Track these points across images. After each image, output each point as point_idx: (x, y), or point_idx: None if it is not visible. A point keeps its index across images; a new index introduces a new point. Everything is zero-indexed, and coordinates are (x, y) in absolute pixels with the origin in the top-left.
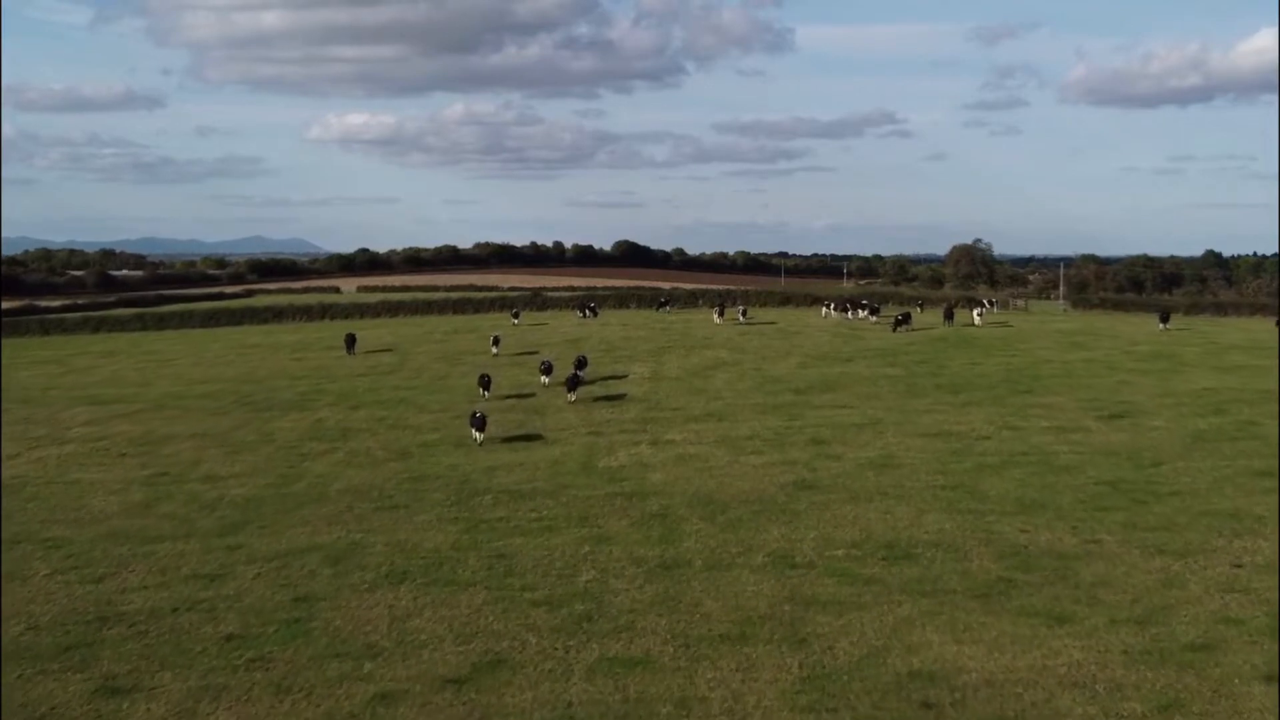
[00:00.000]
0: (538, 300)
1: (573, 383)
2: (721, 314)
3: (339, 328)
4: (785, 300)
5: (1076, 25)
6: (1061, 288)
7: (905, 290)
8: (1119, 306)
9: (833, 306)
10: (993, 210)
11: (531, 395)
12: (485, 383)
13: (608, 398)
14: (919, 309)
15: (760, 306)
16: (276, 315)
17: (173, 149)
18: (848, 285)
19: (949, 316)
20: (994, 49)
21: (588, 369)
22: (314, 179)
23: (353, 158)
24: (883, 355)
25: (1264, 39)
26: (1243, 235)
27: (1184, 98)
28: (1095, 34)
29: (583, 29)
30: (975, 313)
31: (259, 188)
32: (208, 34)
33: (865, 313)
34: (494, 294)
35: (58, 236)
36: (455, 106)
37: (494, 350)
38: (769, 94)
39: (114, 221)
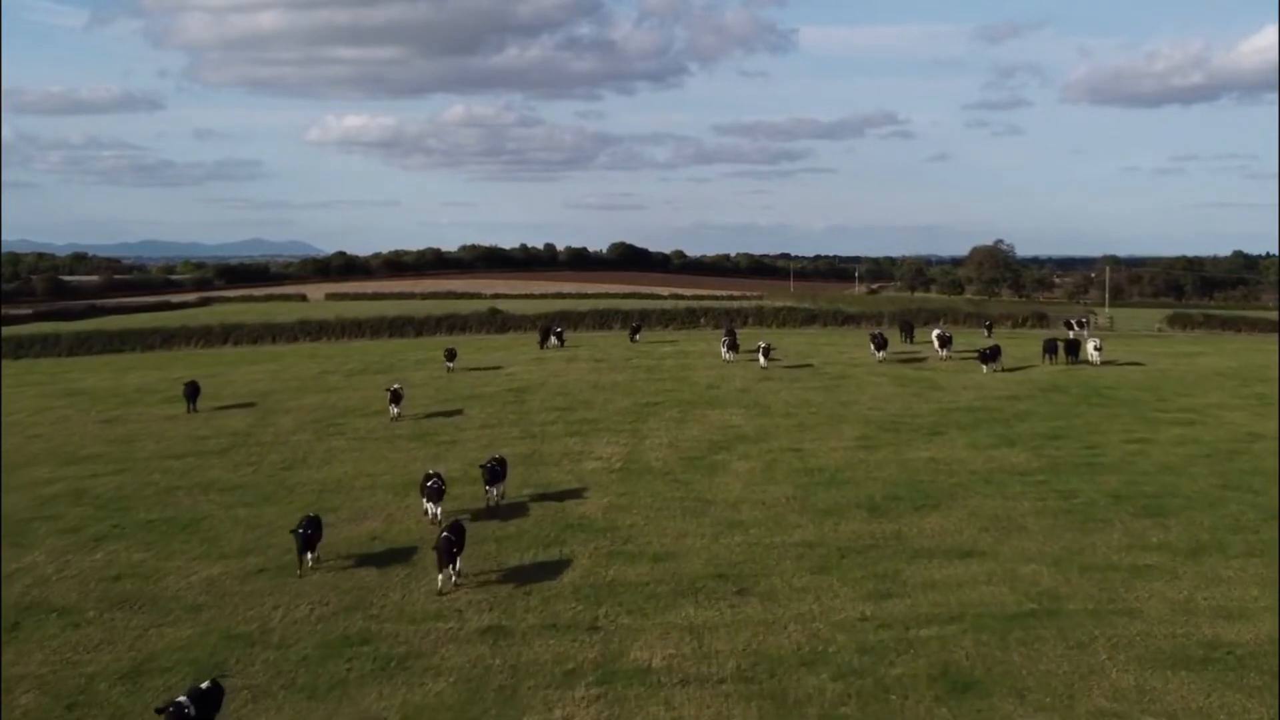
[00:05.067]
0: (496, 321)
1: (449, 547)
2: (733, 348)
3: (233, 358)
4: (810, 318)
5: (1080, 24)
6: (1106, 294)
7: (958, 303)
8: (1229, 325)
9: (877, 344)
10: (995, 210)
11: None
12: (309, 536)
13: (535, 531)
14: (986, 332)
15: (778, 327)
16: (165, 341)
17: (173, 152)
18: (859, 290)
19: (1051, 351)
20: (996, 49)
21: (504, 483)
22: (314, 182)
23: (352, 160)
24: (983, 420)
25: (1267, 37)
26: (1240, 235)
27: (1187, 96)
28: (1098, 33)
29: (584, 29)
30: (1092, 346)
31: (259, 190)
32: (204, 35)
33: (936, 344)
34: (444, 312)
35: (59, 240)
36: (455, 108)
37: (393, 411)
38: (771, 95)
39: (115, 224)
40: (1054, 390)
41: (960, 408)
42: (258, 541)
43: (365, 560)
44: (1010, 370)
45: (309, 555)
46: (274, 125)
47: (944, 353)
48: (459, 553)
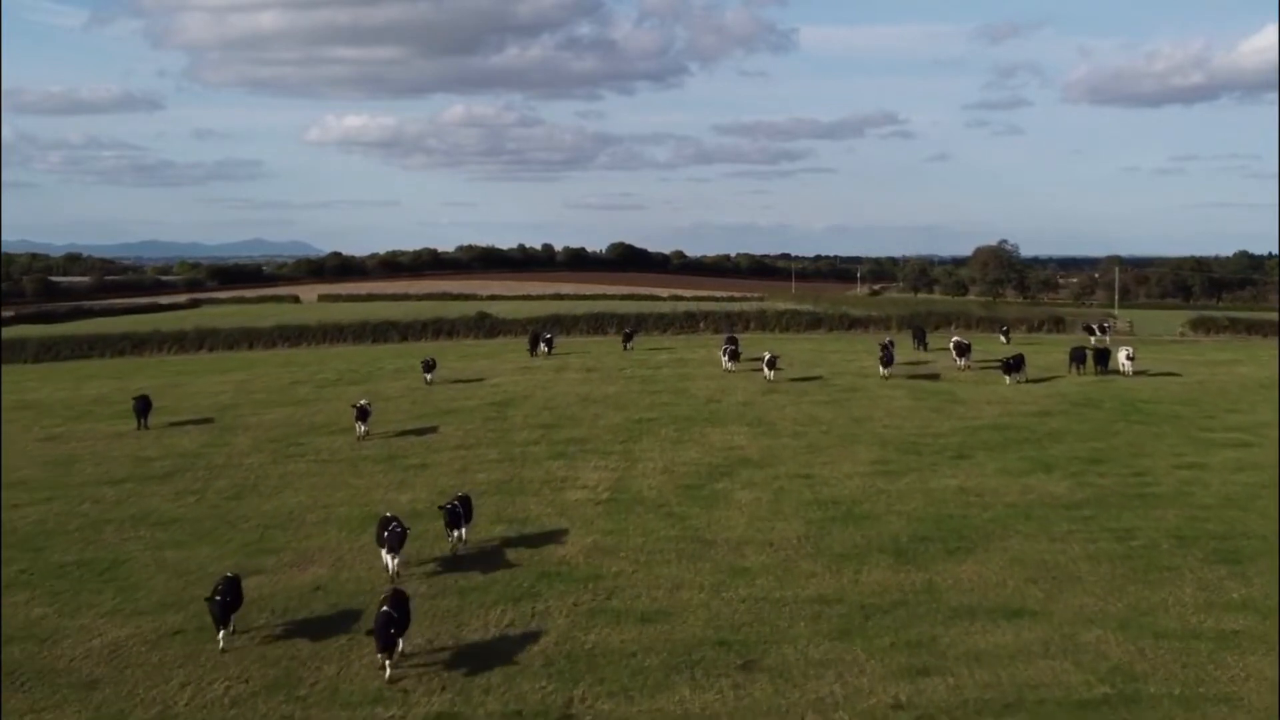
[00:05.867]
0: (484, 325)
1: (387, 626)
2: (734, 357)
3: (204, 365)
4: (815, 322)
5: (1080, 24)
6: (1115, 296)
7: (970, 305)
8: (1255, 329)
9: (884, 355)
10: (996, 210)
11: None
12: (226, 604)
13: (505, 580)
14: (1003, 338)
15: (781, 331)
16: (136, 346)
17: (173, 152)
18: (861, 291)
19: (1079, 360)
20: (997, 48)
21: (469, 525)
22: (314, 182)
23: (352, 160)
24: (1012, 440)
25: (1267, 37)
26: (1241, 235)
27: (1187, 96)
28: (1098, 33)
29: (585, 29)
30: (1124, 355)
31: (259, 190)
32: (204, 35)
33: (954, 352)
34: (431, 315)
35: (58, 240)
36: (455, 108)
37: (361, 429)
38: (771, 95)
39: (116, 225)
40: (1086, 405)
41: (985, 425)
42: (180, 593)
43: (302, 621)
44: (1035, 381)
45: (223, 631)
46: (274, 125)
47: (962, 362)
48: (399, 633)
